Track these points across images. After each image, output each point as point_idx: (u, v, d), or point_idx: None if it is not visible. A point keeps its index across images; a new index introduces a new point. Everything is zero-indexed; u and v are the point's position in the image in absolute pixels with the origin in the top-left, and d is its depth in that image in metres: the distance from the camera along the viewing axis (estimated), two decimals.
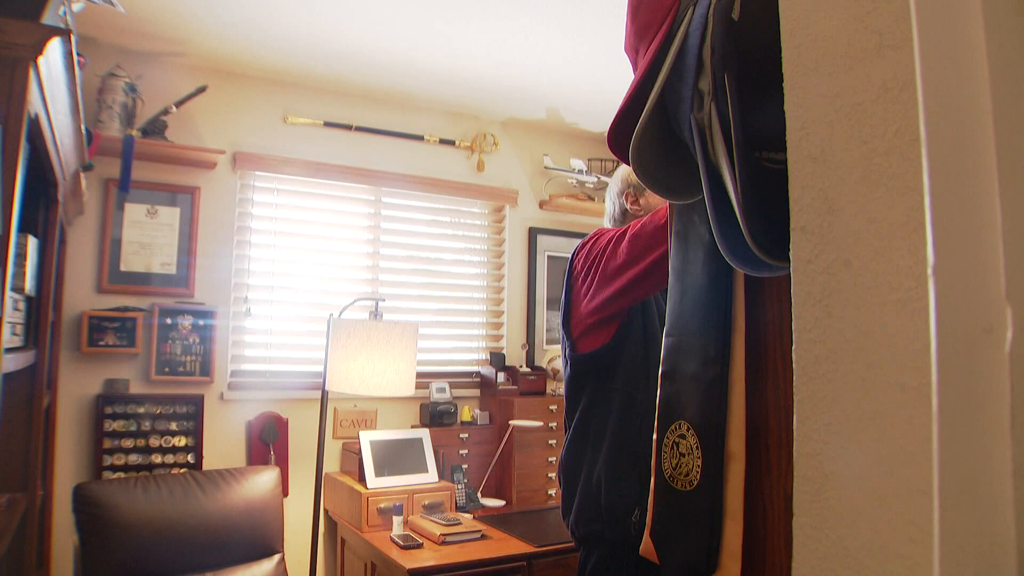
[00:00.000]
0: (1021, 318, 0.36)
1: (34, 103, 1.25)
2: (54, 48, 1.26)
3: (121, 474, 2.66)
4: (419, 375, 2.67)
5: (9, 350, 1.30)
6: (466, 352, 3.58)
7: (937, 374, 0.40)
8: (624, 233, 1.51)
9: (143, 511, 2.36)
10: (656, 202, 1.68)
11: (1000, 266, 0.37)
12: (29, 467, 1.58)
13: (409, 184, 3.37)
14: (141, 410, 2.73)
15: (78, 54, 1.50)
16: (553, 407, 3.28)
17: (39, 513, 1.89)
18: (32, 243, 1.54)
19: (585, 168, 3.67)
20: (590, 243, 1.63)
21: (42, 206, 1.75)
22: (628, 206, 1.74)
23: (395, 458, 2.87)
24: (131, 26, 2.58)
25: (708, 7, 0.67)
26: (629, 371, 1.56)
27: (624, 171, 1.76)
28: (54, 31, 1.20)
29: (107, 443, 2.67)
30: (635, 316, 1.60)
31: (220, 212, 2.97)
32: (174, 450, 2.77)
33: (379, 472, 2.80)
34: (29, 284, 1.53)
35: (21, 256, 1.44)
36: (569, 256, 1.70)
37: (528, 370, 3.41)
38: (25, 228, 1.46)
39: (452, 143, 3.50)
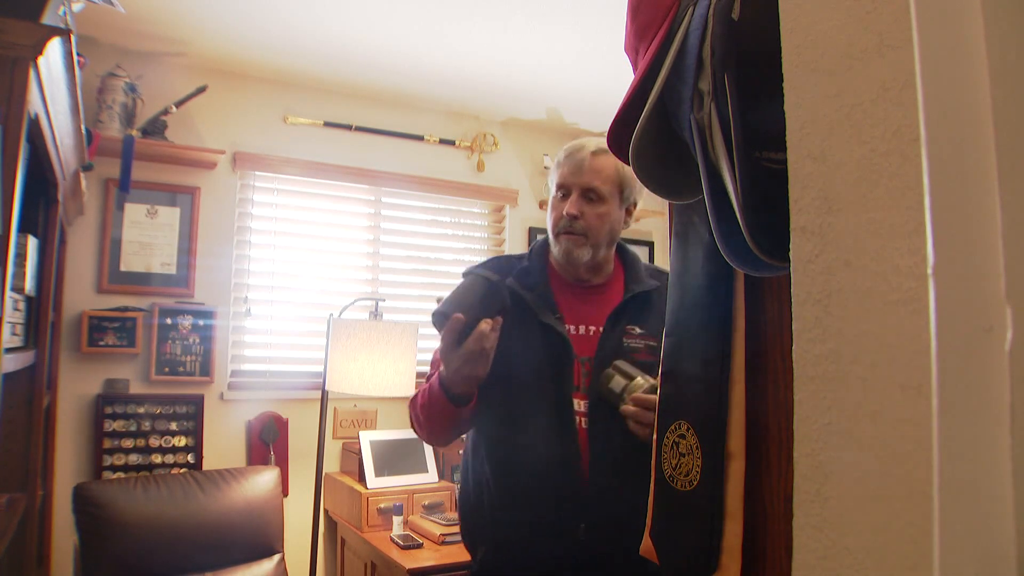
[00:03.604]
0: (1021, 318, 0.36)
1: (34, 103, 1.25)
2: (54, 48, 1.26)
3: (121, 474, 2.66)
4: (419, 375, 2.67)
5: (9, 350, 1.30)
6: None
7: (937, 374, 0.40)
8: None
9: (143, 511, 2.36)
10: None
11: (1000, 266, 0.37)
12: (29, 467, 1.58)
13: (409, 184, 3.37)
14: (141, 410, 2.74)
15: (78, 54, 1.50)
16: None
17: (39, 513, 1.89)
18: (32, 243, 1.54)
19: None
20: None
21: (42, 206, 1.75)
22: None
23: (395, 458, 2.87)
24: (131, 26, 2.58)
25: (708, 7, 0.67)
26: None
27: None
28: (54, 31, 1.20)
29: (107, 443, 2.67)
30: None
31: (220, 212, 2.97)
32: (174, 450, 2.77)
33: (379, 472, 2.79)
34: (29, 284, 1.53)
35: (21, 256, 1.44)
36: None
37: None
38: (25, 228, 1.46)
39: (452, 143, 3.50)
